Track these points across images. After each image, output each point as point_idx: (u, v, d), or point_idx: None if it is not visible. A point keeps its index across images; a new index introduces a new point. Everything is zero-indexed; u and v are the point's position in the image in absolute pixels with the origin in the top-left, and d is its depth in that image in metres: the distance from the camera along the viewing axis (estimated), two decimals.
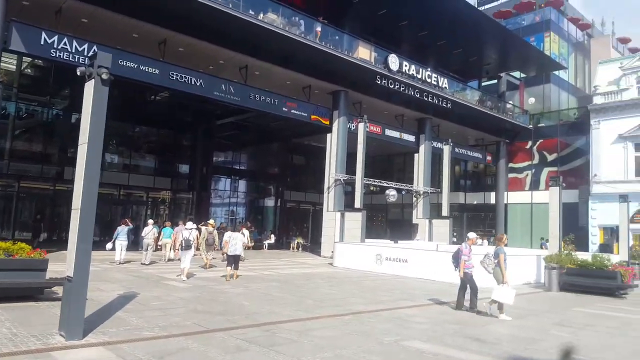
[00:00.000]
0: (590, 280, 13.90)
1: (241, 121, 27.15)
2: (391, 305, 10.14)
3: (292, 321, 7.94)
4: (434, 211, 29.50)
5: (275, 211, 36.42)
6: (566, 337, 7.84)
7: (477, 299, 9.88)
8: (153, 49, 18.43)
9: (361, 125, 23.52)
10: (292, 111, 22.27)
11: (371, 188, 30.27)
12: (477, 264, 10.02)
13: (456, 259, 10.25)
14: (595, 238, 29.13)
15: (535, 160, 33.96)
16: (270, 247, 27.67)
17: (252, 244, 25.25)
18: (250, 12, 18.63)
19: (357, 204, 23.18)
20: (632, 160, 28.41)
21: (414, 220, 28.51)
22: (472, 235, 10.71)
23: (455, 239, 30.39)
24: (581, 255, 15.55)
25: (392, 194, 26.48)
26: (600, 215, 28.76)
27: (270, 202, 37.38)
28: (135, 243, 19.29)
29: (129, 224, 17.23)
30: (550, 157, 33.24)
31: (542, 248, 26.53)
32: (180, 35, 18.47)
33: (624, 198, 21.20)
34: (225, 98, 19.85)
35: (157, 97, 26.74)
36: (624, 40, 43.70)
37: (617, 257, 19.96)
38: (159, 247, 17.61)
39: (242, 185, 36.67)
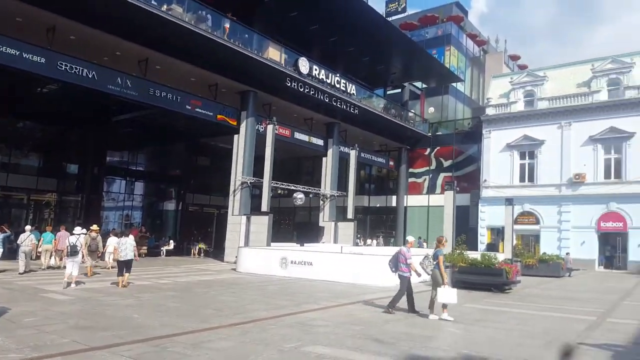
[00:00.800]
0: (480, 278, 14.80)
1: (140, 118, 25.49)
2: (294, 309, 9.93)
3: (187, 333, 7.39)
4: (340, 214, 29.99)
5: (177, 215, 34.74)
6: (459, 333, 8.16)
7: (398, 302, 10.00)
8: (40, 35, 16.62)
9: (270, 128, 23.21)
10: (197, 110, 21.32)
11: (279, 191, 29.98)
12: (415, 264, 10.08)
13: (394, 262, 10.18)
14: (484, 238, 31.49)
15: (433, 166, 36.03)
16: (169, 253, 26.14)
17: (146, 250, 23.87)
18: (153, 2, 17.53)
19: (264, 207, 22.81)
20: (518, 167, 31.17)
21: (321, 223, 28.77)
22: (410, 238, 10.78)
23: (359, 241, 31.19)
24: (472, 254, 16.57)
25: (299, 197, 26.47)
26: (489, 217, 31.17)
27: (170, 206, 35.60)
28: (13, 251, 17.22)
29: (6, 230, 15.38)
30: (446, 163, 35.45)
31: (419, 247, 28.40)
32: (72, 22, 16.85)
33: (509, 201, 23.09)
34: (122, 93, 18.45)
35: (45, 90, 24.24)
36: (515, 58, 47.96)
37: (503, 255, 21.60)
38: (38, 254, 15.90)
39: (139, 187, 34.59)
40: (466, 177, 34.09)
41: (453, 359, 6.52)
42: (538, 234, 29.95)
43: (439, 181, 35.35)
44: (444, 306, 9.31)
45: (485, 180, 31.96)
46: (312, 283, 14.99)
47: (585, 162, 28.50)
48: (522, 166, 31.08)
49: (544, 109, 30.30)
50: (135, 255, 12.81)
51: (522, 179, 30.99)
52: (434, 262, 9.64)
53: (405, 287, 9.99)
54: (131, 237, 12.94)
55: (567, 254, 25.05)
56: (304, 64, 24.12)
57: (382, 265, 16.23)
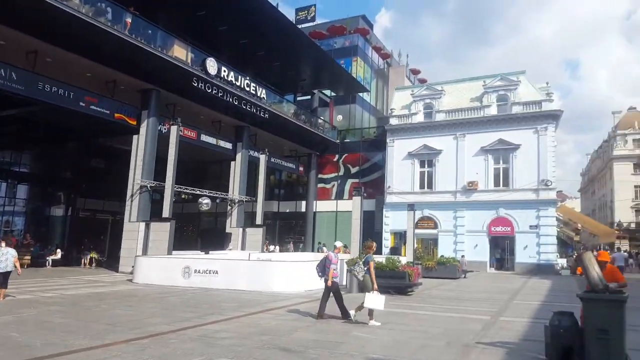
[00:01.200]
0: (385, 281, 15.06)
1: (27, 115, 22.95)
2: (198, 322, 9.34)
3: (75, 352, 6.58)
4: (248, 219, 29.40)
5: (65, 222, 31.59)
6: (365, 337, 8.17)
7: (344, 304, 9.85)
8: None
9: (174, 128, 22.06)
10: (92, 107, 19.62)
11: (183, 196, 28.66)
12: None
13: (322, 267, 9.96)
14: (388, 242, 32.70)
15: (341, 172, 36.80)
16: (56, 263, 23.78)
17: (29, 260, 21.62)
18: None
19: (166, 212, 21.57)
20: (418, 175, 32.82)
21: (228, 229, 27.94)
22: (338, 243, 10.60)
23: (272, 247, 30.86)
24: (377, 258, 16.96)
25: (205, 202, 25.47)
26: (392, 221, 32.44)
27: (58, 211, 32.36)
28: None
29: None
30: (354, 170, 36.38)
31: (319, 252, 28.98)
32: None
33: (411, 207, 24.15)
34: (5, 86, 16.45)
35: None
36: (415, 72, 50.71)
37: (405, 258, 22.55)
38: None
39: (22, 191, 31.18)
40: (372, 183, 35.21)
41: None
42: (436, 238, 31.72)
43: (347, 187, 36.19)
44: (370, 313, 9.31)
45: (389, 187, 33.23)
46: (218, 293, 14.36)
47: (477, 171, 30.79)
48: (422, 174, 32.80)
49: (442, 120, 32.30)
50: (17, 267, 11.37)
51: (422, 186, 32.69)
52: (365, 268, 9.56)
53: (330, 292, 9.90)
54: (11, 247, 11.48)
55: (463, 256, 26.82)
56: (212, 65, 23.36)
57: (291, 271, 16.19)
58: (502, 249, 30.76)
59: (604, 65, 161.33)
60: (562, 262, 31.74)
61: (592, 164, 77.72)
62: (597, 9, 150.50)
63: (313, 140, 34.84)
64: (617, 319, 5.91)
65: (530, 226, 29.21)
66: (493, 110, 31.25)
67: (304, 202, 36.72)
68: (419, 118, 33.48)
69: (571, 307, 7.01)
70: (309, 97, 38.82)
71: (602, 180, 66.95)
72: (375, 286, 9.27)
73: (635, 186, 55.76)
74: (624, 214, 54.71)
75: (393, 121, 34.11)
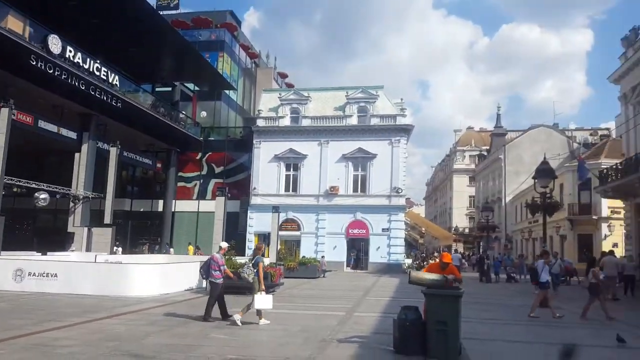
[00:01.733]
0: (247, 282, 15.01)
1: None
2: (32, 329, 8.15)
3: None
4: (96, 218, 26.70)
5: None
6: (224, 339, 7.92)
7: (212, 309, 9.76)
8: None
9: (4, 111, 19.05)
10: None
11: (15, 189, 24.93)
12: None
13: (206, 268, 9.92)
14: (251, 243, 32.44)
15: (204, 171, 35.59)
16: None
17: None
18: None
19: None
20: (284, 178, 33.28)
21: (70, 229, 24.99)
22: (224, 244, 10.62)
23: (120, 248, 28.41)
24: (240, 260, 16.72)
25: (42, 197, 22.43)
26: (257, 223, 32.35)
27: None
28: None
29: None
30: (218, 170, 35.46)
31: (165, 253, 28.45)
32: None
33: (276, 209, 24.35)
34: None
35: None
36: (283, 75, 51.31)
37: (268, 259, 22.65)
38: None
39: None
40: (237, 184, 34.72)
41: None
42: (299, 239, 32.44)
43: (210, 187, 35.05)
44: (259, 313, 9.37)
45: (254, 188, 33.12)
46: (58, 297, 12.76)
47: (338, 177, 32.30)
48: (287, 177, 33.36)
49: (307, 126, 33.27)
50: None
51: (287, 189, 33.22)
52: (255, 270, 9.48)
53: (217, 293, 9.83)
54: None
55: (322, 257, 27.82)
56: (55, 43, 20.63)
57: (144, 274, 15.10)
58: (358, 250, 32.65)
59: (449, 88, 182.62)
60: (408, 261, 34.75)
61: (435, 175, 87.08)
62: (446, 36, 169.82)
63: (173, 135, 32.86)
64: (453, 311, 6.57)
65: (383, 229, 31.54)
66: (354, 121, 33.12)
67: (161, 202, 34.56)
68: (286, 122, 34.04)
69: (416, 301, 7.60)
70: (170, 89, 36.61)
71: (443, 190, 75.35)
72: (262, 287, 9.39)
73: (470, 196, 63.68)
74: (460, 220, 62.32)
75: (260, 123, 34.14)
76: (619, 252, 25.56)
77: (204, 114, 38.41)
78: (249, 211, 32.93)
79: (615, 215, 30.88)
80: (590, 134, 52.78)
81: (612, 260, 16.83)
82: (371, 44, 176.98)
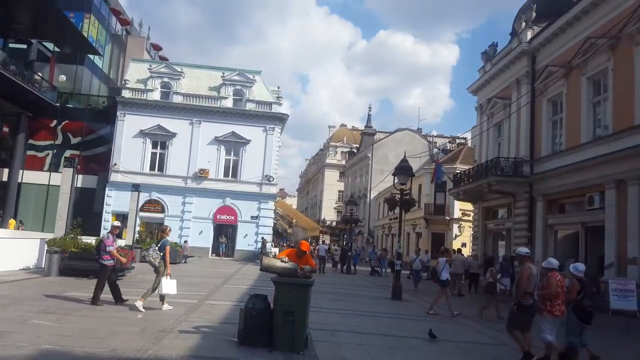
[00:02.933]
0: (93, 264, 13.53)
1: None
2: None
3: None
4: None
5: None
6: (48, 326, 6.93)
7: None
8: None
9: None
10: None
11: None
12: None
13: (98, 250, 9.59)
14: (108, 224, 29.76)
15: (59, 141, 31.83)
16: None
17: None
18: None
19: None
20: (149, 156, 31.09)
21: None
22: (116, 223, 10.13)
23: None
24: (88, 240, 15.12)
25: None
26: (116, 202, 29.82)
27: None
28: None
29: None
30: (75, 140, 31.95)
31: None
32: None
33: (136, 187, 22.55)
34: None
35: None
36: (157, 47, 47.83)
37: (124, 241, 20.97)
38: None
39: None
40: (96, 158, 31.66)
41: (29, 356, 5.32)
42: (163, 222, 30.45)
43: (64, 158, 31.34)
44: (162, 297, 9.11)
45: (115, 164, 30.45)
46: None
47: (209, 160, 31.12)
48: (153, 155, 31.24)
49: (179, 103, 31.50)
50: None
51: (152, 168, 31.13)
52: (161, 254, 9.15)
53: (105, 276, 9.39)
54: None
55: (185, 241, 26.58)
56: None
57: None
58: (225, 236, 31.82)
59: (326, 85, 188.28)
60: (275, 250, 34.84)
61: (309, 168, 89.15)
62: (327, 34, 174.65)
63: (25, 98, 28.74)
64: (302, 301, 6.42)
65: (252, 217, 31.16)
66: (229, 103, 32.16)
67: (6, 170, 30.07)
68: (155, 96, 31.81)
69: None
70: (24, 46, 32.04)
71: (315, 183, 77.43)
72: (169, 271, 9.07)
73: (339, 191, 66.28)
74: (329, 213, 64.53)
75: (126, 94, 31.43)
76: (467, 251, 28.50)
77: (62, 78, 34.18)
78: (107, 188, 30.18)
79: (465, 217, 34.36)
80: (449, 142, 58.18)
81: (460, 258, 18.50)
82: (254, 31, 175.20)
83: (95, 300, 9.13)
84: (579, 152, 17.05)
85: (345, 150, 69.69)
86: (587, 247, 16.89)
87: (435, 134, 63.44)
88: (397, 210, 16.95)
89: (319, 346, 6.87)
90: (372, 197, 49.76)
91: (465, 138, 56.88)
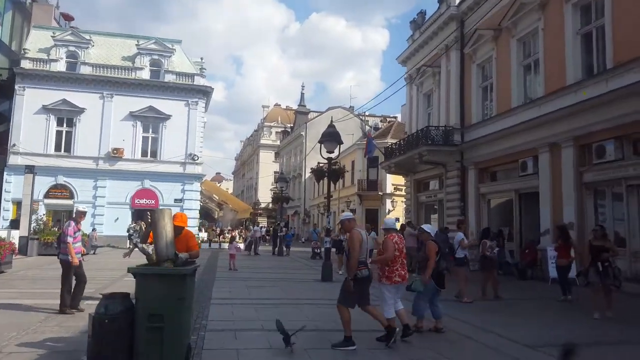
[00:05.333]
0: None
1: None
2: None
3: None
4: None
5: None
6: None
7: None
8: None
9: None
10: None
11: None
12: None
13: (59, 242, 8.23)
14: (9, 213, 26.34)
15: None
16: None
17: None
18: None
19: None
20: (54, 134, 27.71)
21: None
22: (83, 208, 8.34)
23: None
24: None
25: None
26: (16, 188, 26.12)
27: None
28: None
29: None
30: None
31: None
32: None
33: (30, 169, 19.71)
34: None
35: None
36: (68, 17, 42.89)
37: (17, 232, 18.51)
38: None
39: None
40: None
41: None
42: (72, 209, 27.30)
43: None
44: None
45: (14, 145, 26.81)
46: None
47: (124, 138, 28.18)
48: (59, 133, 27.83)
49: (87, 75, 28.09)
50: None
51: (58, 148, 27.76)
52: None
53: (69, 275, 7.69)
54: None
55: (94, 229, 23.88)
56: None
57: None
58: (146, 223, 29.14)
59: (262, 67, 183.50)
60: (203, 235, 32.63)
61: (244, 150, 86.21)
62: (262, 15, 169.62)
63: None
64: (175, 299, 4.70)
65: (175, 199, 28.72)
66: (146, 75, 29.21)
67: None
68: (60, 67, 28.25)
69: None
70: None
71: (250, 165, 74.94)
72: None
73: (275, 172, 64.30)
74: (265, 195, 62.45)
75: (25, 64, 27.66)
76: (398, 226, 27.75)
77: None
78: (5, 173, 26.53)
79: (398, 192, 33.89)
80: (381, 120, 57.96)
81: (409, 231, 17.07)
82: (185, 10, 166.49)
83: (63, 307, 7.53)
84: (510, 117, 16.44)
85: (280, 130, 67.70)
86: (521, 214, 16.47)
87: (367, 114, 62.91)
88: (331, 188, 15.89)
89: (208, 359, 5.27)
90: (306, 176, 48.45)
91: (395, 117, 56.91)
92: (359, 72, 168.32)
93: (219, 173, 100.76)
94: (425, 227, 7.32)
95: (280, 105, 76.43)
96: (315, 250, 21.64)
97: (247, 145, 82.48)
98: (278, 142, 65.66)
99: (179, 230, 5.58)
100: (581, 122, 13.34)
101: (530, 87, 16.45)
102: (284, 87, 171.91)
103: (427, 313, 6.99)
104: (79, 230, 8.12)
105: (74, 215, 8.31)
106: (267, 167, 65.14)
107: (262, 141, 67.31)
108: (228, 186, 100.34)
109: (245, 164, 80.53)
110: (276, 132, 68.55)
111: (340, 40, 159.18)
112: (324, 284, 12.53)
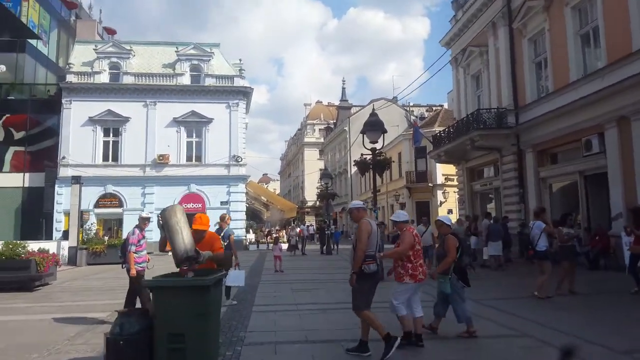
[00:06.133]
0: (3, 274, 11.14)
1: None
2: None
3: None
4: None
5: None
6: None
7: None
8: None
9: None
10: None
11: None
12: None
13: (123, 252, 7.75)
14: (61, 224, 27.10)
15: (1, 138, 28.76)
16: None
17: None
18: None
19: None
20: (101, 145, 28.33)
21: None
22: (145, 214, 8.05)
23: None
24: (37, 245, 12.88)
25: None
26: (67, 199, 26.77)
27: None
28: None
29: None
30: (18, 135, 28.88)
31: None
32: None
33: (76, 180, 20.02)
34: None
35: None
36: (111, 31, 44.25)
37: (67, 243, 18.78)
38: None
39: None
40: (42, 152, 28.71)
41: None
42: (122, 218, 27.96)
43: (9, 156, 28.48)
44: (228, 291, 8.49)
45: (63, 158, 27.60)
46: None
47: (169, 144, 28.39)
48: (105, 144, 28.41)
49: (130, 84, 28.51)
50: None
51: (105, 158, 28.33)
52: (224, 243, 7.63)
53: (138, 285, 7.08)
54: None
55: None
56: None
57: None
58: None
59: (303, 66, 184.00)
60: (251, 237, 32.64)
61: (289, 150, 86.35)
62: (299, 15, 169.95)
63: None
64: (198, 315, 4.09)
65: (221, 202, 28.63)
66: (186, 80, 29.32)
67: None
68: (104, 78, 28.85)
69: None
70: None
71: (296, 164, 74.82)
72: (238, 261, 8.65)
73: (320, 169, 63.64)
74: (311, 193, 61.97)
75: (71, 78, 28.43)
76: (454, 217, 26.43)
77: (3, 68, 30.89)
78: (57, 185, 27.36)
79: (449, 182, 32.44)
80: (427, 110, 56.18)
81: (486, 223, 15.45)
82: (225, 17, 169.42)
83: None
84: (569, 93, 14.94)
85: (323, 127, 67.08)
86: (588, 198, 14.95)
87: (411, 104, 61.22)
88: (379, 182, 15.10)
89: None
90: (352, 171, 47.55)
91: (442, 105, 55.00)
92: (401, 63, 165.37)
93: (266, 174, 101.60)
94: (443, 218, 6.44)
95: (322, 102, 75.83)
96: None
97: (292, 144, 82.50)
98: (322, 140, 65.11)
99: (200, 234, 4.98)
100: None
101: (590, 58, 14.90)
102: (326, 84, 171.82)
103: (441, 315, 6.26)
104: (144, 237, 7.73)
105: (137, 223, 7.87)
106: (312, 165, 64.63)
107: (306, 139, 66.95)
108: (275, 187, 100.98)
109: (291, 163, 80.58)
110: (319, 130, 68.00)
111: (380, 33, 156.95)
112: (379, 286, 11.71)
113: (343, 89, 57.87)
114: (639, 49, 12.28)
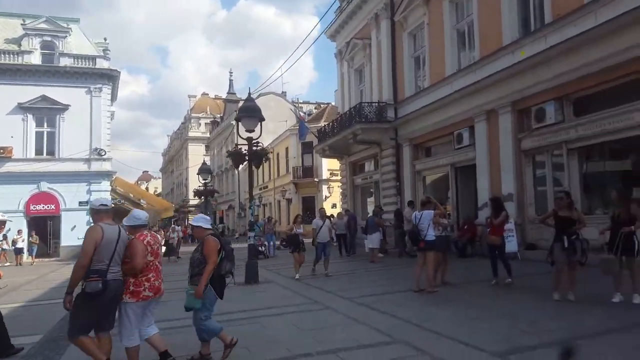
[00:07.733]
0: None
1: None
2: None
3: None
4: None
5: None
6: None
7: None
8: None
9: None
10: None
11: None
12: None
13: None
14: None
15: None
16: None
17: None
18: None
19: None
20: (33, 135, 23.53)
21: None
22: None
23: None
24: None
25: None
26: None
27: None
28: None
29: None
30: None
31: None
32: None
33: None
34: None
35: None
36: None
37: None
38: None
39: None
40: None
41: None
42: None
43: None
44: None
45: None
46: None
47: (13, 134, 24.10)
48: (38, 134, 23.81)
49: None
50: None
51: (38, 152, 23.71)
52: None
53: None
54: None
55: None
56: None
57: None
58: (43, 231, 25.21)
59: (189, 57, 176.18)
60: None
61: (171, 145, 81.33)
62: (184, 2, 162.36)
63: None
64: None
65: (80, 202, 24.85)
66: (36, 59, 25.11)
67: None
68: (35, 59, 24.28)
69: None
70: None
71: (179, 160, 70.55)
72: None
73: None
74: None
75: None
76: (337, 211, 25.88)
77: None
78: None
79: (334, 177, 32.20)
80: (315, 107, 56.20)
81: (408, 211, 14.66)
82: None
83: None
84: (444, 87, 14.94)
85: (209, 120, 63.97)
86: (458, 189, 15.14)
87: (301, 101, 60.89)
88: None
89: None
90: (240, 167, 45.59)
91: (329, 103, 55.32)
92: (292, 60, 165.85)
93: (146, 171, 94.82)
94: (199, 219, 5.14)
95: (208, 94, 72.39)
96: (259, 247, 17.04)
97: (175, 139, 77.74)
98: (208, 134, 62.11)
99: None
100: (519, 84, 12.14)
101: (465, 53, 14.98)
102: (215, 77, 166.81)
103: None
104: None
105: None
106: (198, 161, 60.78)
107: (191, 134, 63.38)
108: (157, 185, 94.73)
109: (174, 159, 75.92)
110: (205, 124, 64.77)
111: (271, 29, 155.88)
112: (248, 289, 10.24)
113: (230, 81, 55.60)
114: (509, 43, 12.39)
